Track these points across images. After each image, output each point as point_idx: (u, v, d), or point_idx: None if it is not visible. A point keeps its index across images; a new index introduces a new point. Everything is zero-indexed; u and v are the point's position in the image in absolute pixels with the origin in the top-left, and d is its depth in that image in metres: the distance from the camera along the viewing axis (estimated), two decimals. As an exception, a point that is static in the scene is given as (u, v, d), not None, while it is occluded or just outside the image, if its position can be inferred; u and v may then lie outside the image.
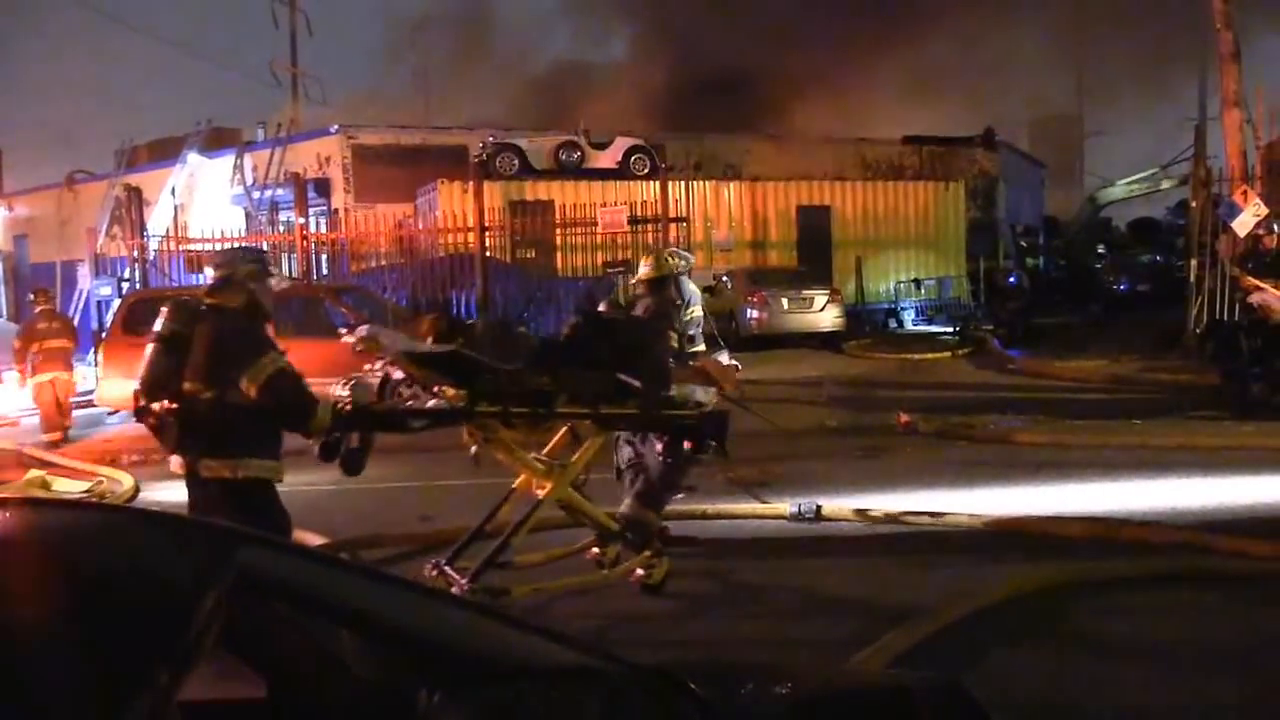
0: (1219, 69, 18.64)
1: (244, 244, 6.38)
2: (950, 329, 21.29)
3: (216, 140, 26.48)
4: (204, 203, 25.03)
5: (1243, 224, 13.97)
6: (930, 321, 22.84)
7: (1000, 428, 10.85)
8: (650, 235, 18.07)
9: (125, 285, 19.15)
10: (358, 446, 5.20)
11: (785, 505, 7.37)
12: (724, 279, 19.88)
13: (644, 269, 7.22)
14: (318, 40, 31.03)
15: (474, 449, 5.62)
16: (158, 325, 5.07)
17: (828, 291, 19.45)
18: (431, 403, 5.45)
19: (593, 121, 22.53)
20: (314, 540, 6.47)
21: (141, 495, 9.04)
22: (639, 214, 18.85)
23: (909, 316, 23.24)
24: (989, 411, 11.69)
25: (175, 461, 4.99)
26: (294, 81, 29.80)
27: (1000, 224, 28.04)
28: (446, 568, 5.42)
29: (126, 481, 9.34)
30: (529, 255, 19.99)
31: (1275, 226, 12.97)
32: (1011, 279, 22.36)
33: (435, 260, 18.87)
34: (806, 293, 19.15)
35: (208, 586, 1.41)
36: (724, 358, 6.62)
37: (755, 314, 18.97)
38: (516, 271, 18.47)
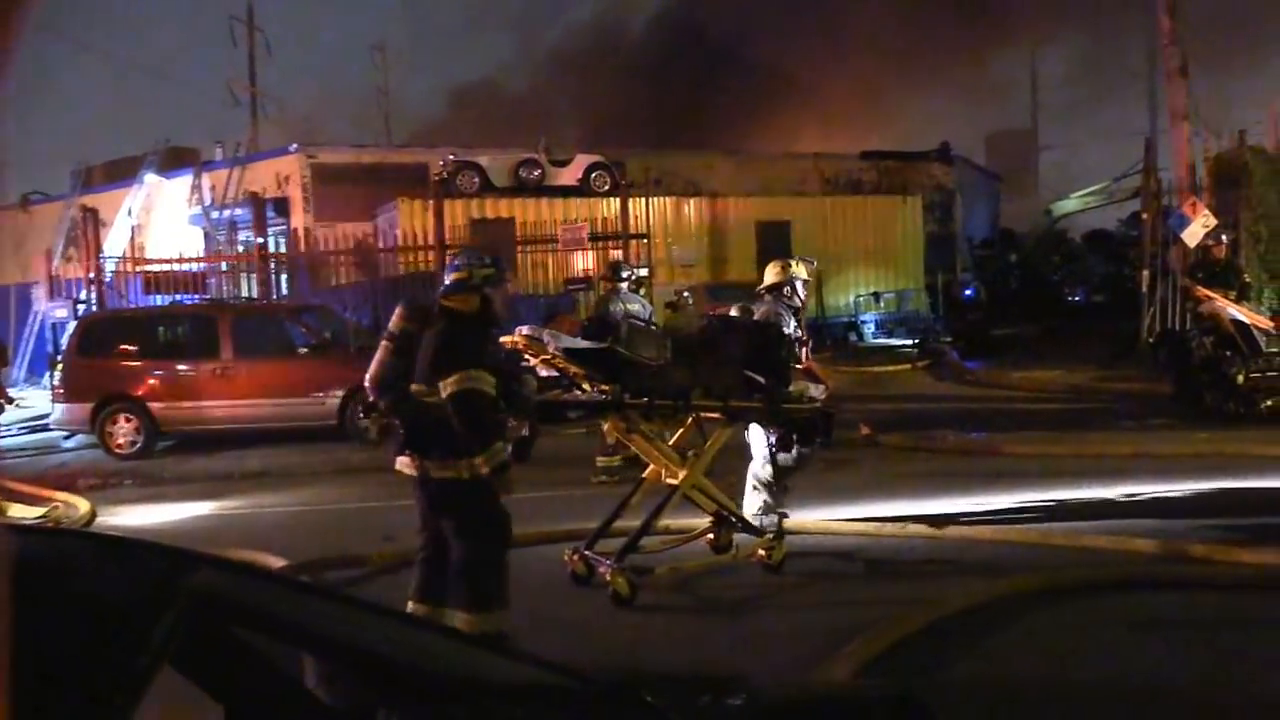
0: (1167, 84, 19.08)
1: (472, 248, 6.41)
2: (910, 342, 21.49)
3: (174, 160, 26.23)
4: (161, 223, 24.76)
5: (1192, 235, 14.20)
6: (890, 334, 23.04)
7: (960, 439, 10.97)
8: (611, 252, 18.10)
9: (81, 307, 18.88)
10: (528, 435, 5.27)
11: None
12: (685, 294, 19.85)
13: (770, 274, 7.51)
14: (277, 60, 30.88)
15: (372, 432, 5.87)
16: (391, 324, 5.18)
17: (788, 306, 19.53)
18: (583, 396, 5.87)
19: (554, 139, 22.56)
20: (274, 562, 6.41)
21: (98, 520, 8.91)
22: (600, 230, 18.88)
23: (869, 330, 23.43)
24: (948, 423, 11.82)
25: (401, 461, 4.98)
26: (253, 101, 29.62)
27: (957, 237, 28.39)
28: (587, 552, 5.97)
29: (82, 507, 9.21)
30: (489, 273, 19.92)
31: (1223, 237, 13.19)
32: (969, 291, 22.65)
33: (396, 279, 18.78)
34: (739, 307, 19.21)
35: (161, 611, 1.41)
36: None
37: (717, 328, 18.94)
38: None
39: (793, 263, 7.57)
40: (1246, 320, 11.96)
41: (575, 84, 39.74)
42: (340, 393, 12.03)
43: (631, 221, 18.68)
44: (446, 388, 4.71)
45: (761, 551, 6.30)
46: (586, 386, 5.83)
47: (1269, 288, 13.86)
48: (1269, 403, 11.41)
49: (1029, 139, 47.79)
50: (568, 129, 28.04)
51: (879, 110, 39.99)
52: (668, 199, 22.91)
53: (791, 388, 6.39)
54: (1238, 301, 12.19)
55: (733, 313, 7.33)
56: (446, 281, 5.09)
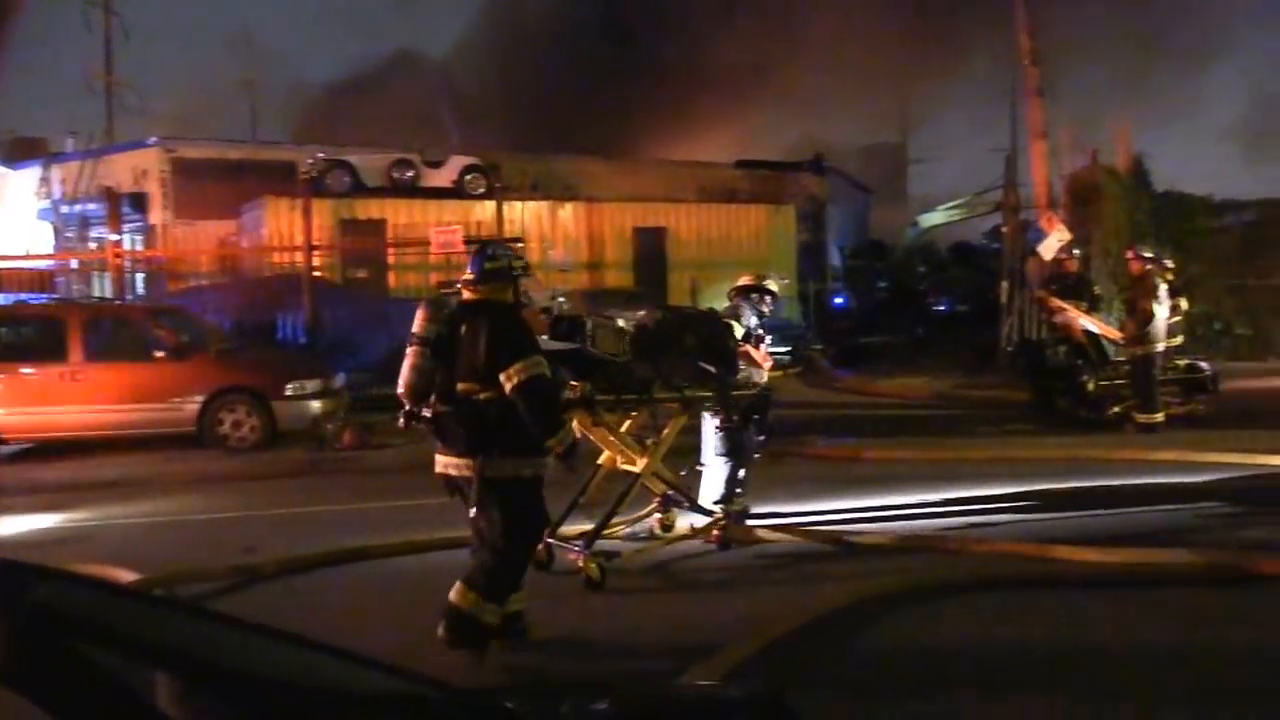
0: (1026, 103, 20.00)
1: (498, 240, 6.23)
2: (783, 349, 21.95)
3: (21, 150, 24.93)
4: (6, 217, 23.50)
5: (1048, 248, 14.96)
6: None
7: (828, 445, 11.26)
8: (486, 255, 17.97)
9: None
10: (578, 438, 5.46)
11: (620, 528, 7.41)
12: (561, 300, 19.90)
13: (744, 278, 8.17)
14: (139, 49, 29.66)
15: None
16: (416, 328, 5.26)
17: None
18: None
19: (428, 139, 22.30)
20: (123, 576, 6.16)
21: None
22: (474, 234, 18.73)
23: (743, 337, 23.79)
24: (819, 429, 12.12)
25: (451, 463, 5.01)
26: (108, 90, 28.36)
27: (829, 247, 29.14)
28: (551, 540, 6.25)
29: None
30: (360, 275, 19.57)
31: (1076, 251, 13.94)
32: (839, 300, 23.25)
33: (261, 280, 18.26)
34: (643, 313, 19.37)
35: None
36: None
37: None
38: (346, 292, 18.05)
39: (766, 275, 8.30)
40: (1097, 331, 12.67)
41: (451, 84, 39.35)
42: (200, 398, 11.65)
43: (507, 225, 18.59)
44: (512, 378, 4.81)
45: (716, 532, 6.90)
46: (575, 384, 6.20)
47: (1118, 300, 14.66)
48: (1116, 409, 12.09)
49: (900, 152, 49.36)
50: (443, 129, 27.73)
51: (755, 120, 40.79)
52: (544, 203, 22.87)
53: (739, 375, 7.12)
54: (1089, 313, 12.90)
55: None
56: (476, 273, 5.12)
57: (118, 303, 15.73)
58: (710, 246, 23.99)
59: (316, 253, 16.71)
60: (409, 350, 5.28)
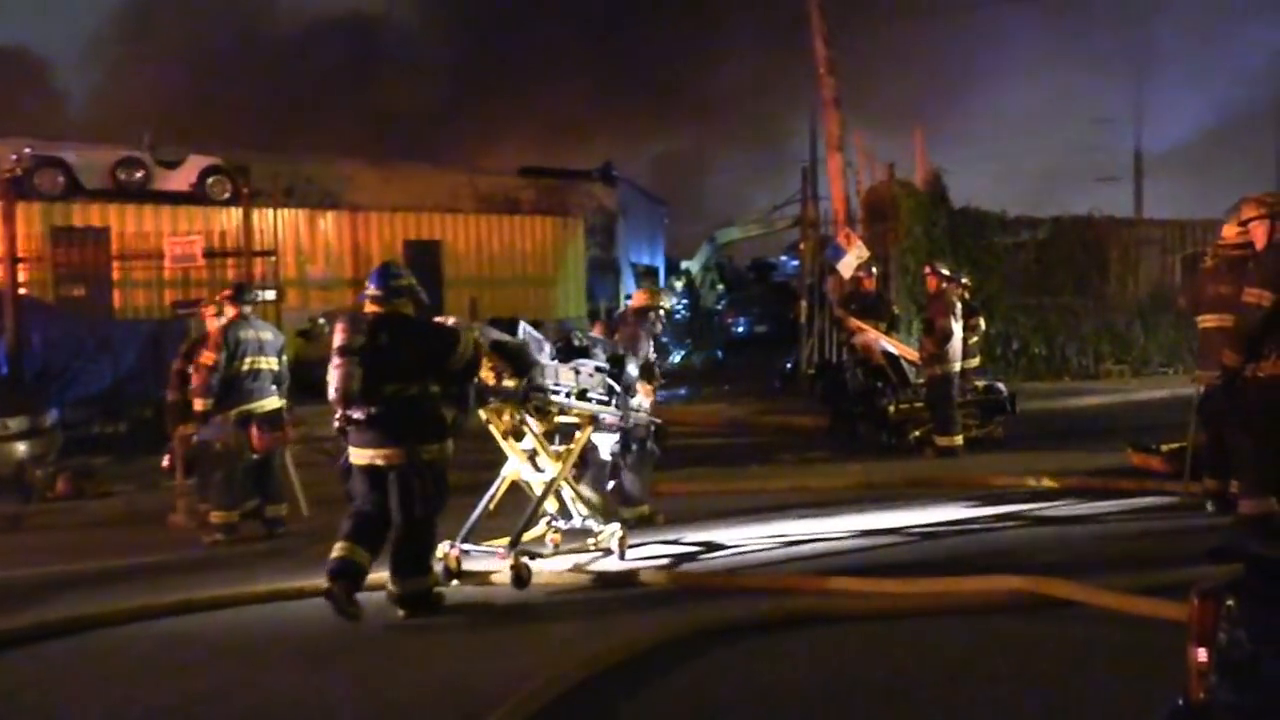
0: (822, 113, 20.98)
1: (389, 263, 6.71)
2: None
3: None
4: None
5: (847, 266, 15.66)
6: (551, 366, 23.49)
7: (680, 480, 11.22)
8: (231, 271, 17.26)
9: None
10: (464, 414, 6.99)
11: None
12: (321, 321, 19.38)
13: (639, 299, 9.43)
14: None
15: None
16: (341, 340, 6.45)
17: (439, 334, 19.51)
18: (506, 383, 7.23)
19: (161, 135, 21.23)
20: None
21: None
22: (218, 246, 17.96)
23: (529, 361, 23.78)
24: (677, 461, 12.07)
25: (376, 454, 6.44)
26: None
27: (621, 263, 29.56)
28: (464, 545, 7.27)
29: None
30: (76, 293, 18.36)
31: (873, 269, 14.64)
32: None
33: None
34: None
35: None
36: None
37: (357, 360, 18.58)
38: (60, 313, 16.88)
39: (659, 291, 9.53)
40: (896, 352, 13.34)
41: (190, 71, 37.59)
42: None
43: (256, 236, 17.92)
44: (457, 363, 6.56)
45: (617, 540, 7.72)
46: (490, 379, 7.15)
47: (917, 319, 15.51)
48: (917, 433, 12.75)
49: (696, 162, 50.67)
50: (178, 124, 26.48)
51: (539, 125, 41.01)
52: (301, 211, 22.19)
53: (634, 400, 8.27)
54: (888, 333, 13.60)
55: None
56: (383, 290, 6.57)
57: None
58: (491, 262, 23.91)
59: (21, 266, 15.62)
60: (339, 361, 6.43)
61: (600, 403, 7.80)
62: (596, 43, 42.88)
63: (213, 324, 9.50)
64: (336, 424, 6.62)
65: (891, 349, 13.32)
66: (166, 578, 7.86)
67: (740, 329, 28.74)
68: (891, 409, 13.00)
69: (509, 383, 7.16)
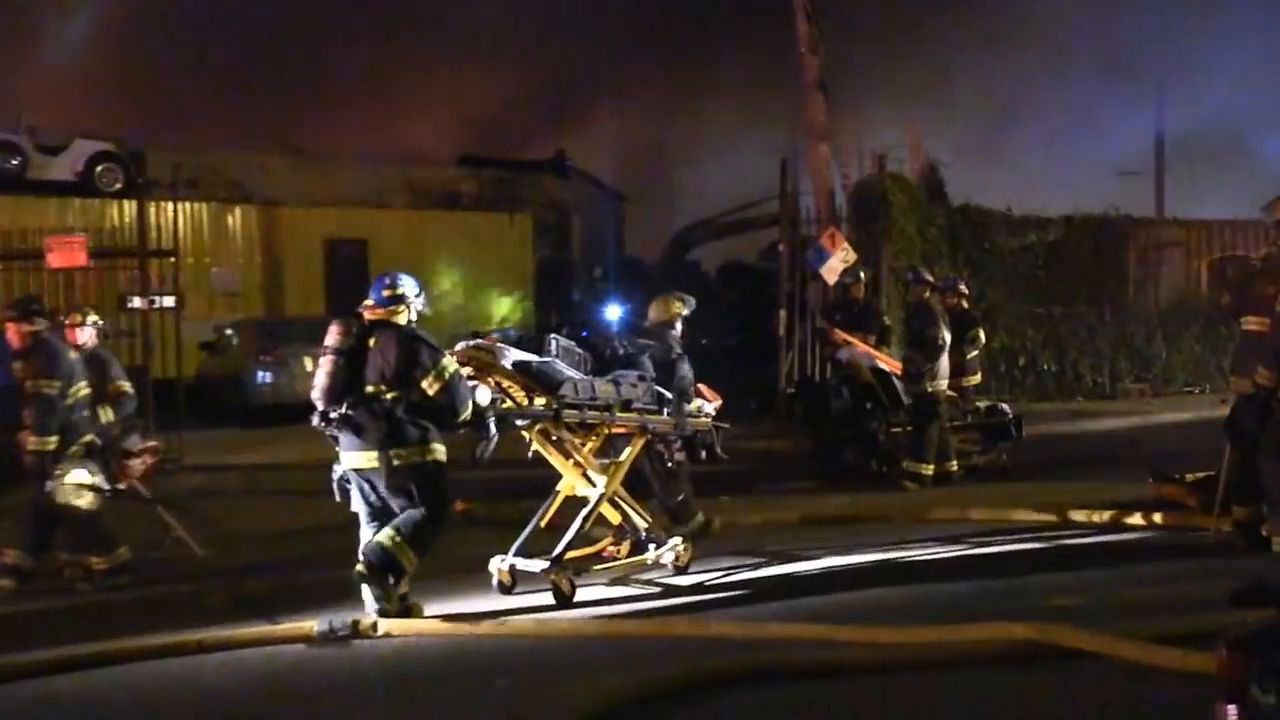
0: (804, 98, 21.03)
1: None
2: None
3: None
4: None
5: (831, 270, 15.67)
6: (495, 383, 23.43)
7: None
8: (123, 272, 17.05)
9: None
10: (489, 440, 7.67)
11: (311, 623, 7.22)
12: (227, 332, 19.25)
13: (657, 311, 10.10)
14: None
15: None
16: (332, 341, 7.42)
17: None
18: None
19: (41, 115, 21.05)
20: None
21: None
22: (108, 243, 17.74)
23: (469, 377, 23.71)
24: (545, 493, 12.01)
25: (361, 457, 7.33)
26: None
27: (575, 265, 29.54)
28: (515, 560, 8.06)
29: None
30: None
31: (861, 274, 14.63)
32: (587, 335, 23.46)
33: None
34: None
35: None
36: None
37: (268, 377, 18.52)
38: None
39: (676, 301, 10.07)
40: (887, 369, 13.31)
41: (77, 42, 37.18)
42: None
43: (153, 233, 17.72)
44: (434, 384, 7.30)
45: (672, 555, 8.43)
46: (520, 399, 8.01)
47: (899, 331, 15.46)
48: (905, 464, 12.72)
49: (663, 153, 50.74)
50: (61, 103, 26.23)
51: (483, 108, 40.91)
52: (205, 205, 22.09)
53: (691, 405, 8.98)
54: (877, 347, 13.57)
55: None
56: (377, 299, 7.58)
57: None
58: (426, 265, 23.78)
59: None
60: (325, 359, 7.43)
61: (647, 412, 8.46)
62: (546, 8, 42.80)
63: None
64: (315, 421, 7.49)
65: (882, 365, 13.31)
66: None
67: (703, 341, 28.71)
68: (882, 433, 13.02)
69: (540, 401, 7.92)
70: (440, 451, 7.45)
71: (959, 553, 9.34)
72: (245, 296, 21.67)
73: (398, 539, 7.28)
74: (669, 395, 8.72)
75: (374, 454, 7.30)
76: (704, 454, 9.37)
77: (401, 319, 7.58)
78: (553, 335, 8.47)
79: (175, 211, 19.75)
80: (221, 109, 32.55)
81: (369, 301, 7.67)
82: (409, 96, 38.29)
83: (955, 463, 12.57)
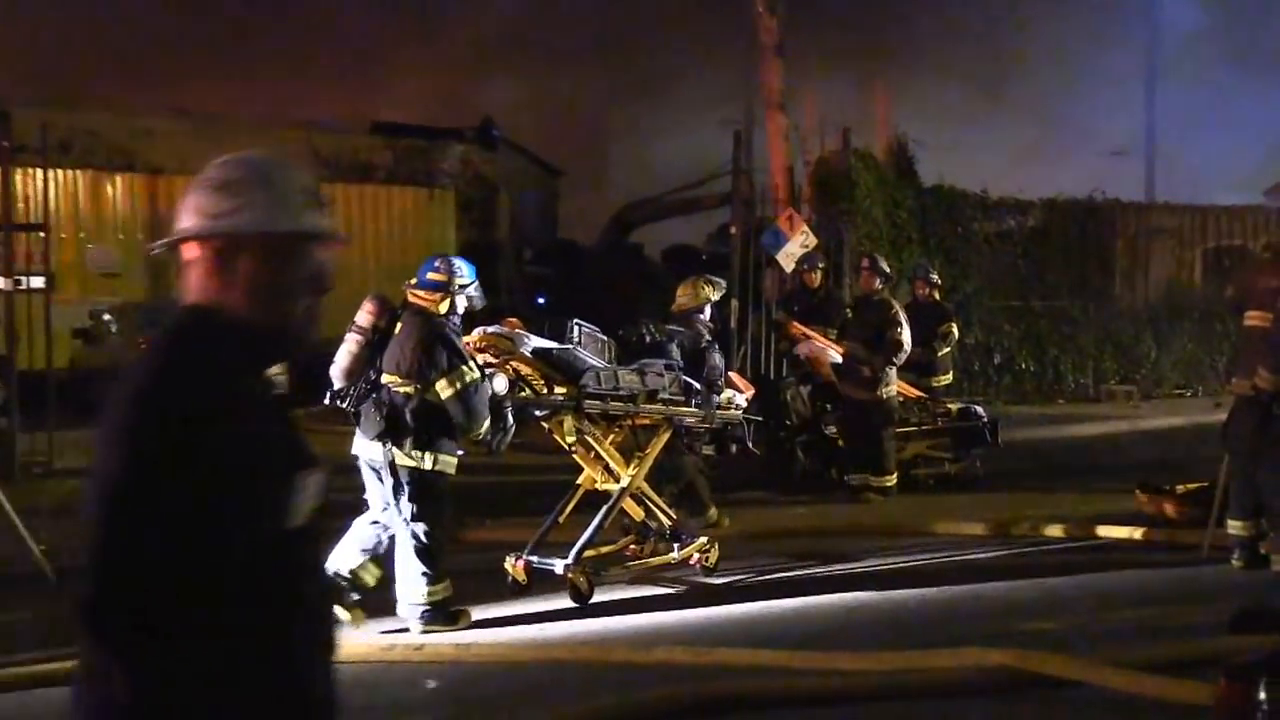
0: (760, 63, 21.03)
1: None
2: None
3: None
4: None
5: (789, 256, 15.66)
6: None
7: (499, 525, 11.09)
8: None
9: None
10: (505, 431, 7.89)
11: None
12: (107, 317, 18.98)
13: (685, 297, 10.28)
14: None
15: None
16: (362, 319, 7.68)
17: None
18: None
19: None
20: None
21: None
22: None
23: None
24: (484, 506, 11.91)
25: (370, 447, 7.54)
26: None
27: (503, 247, 29.38)
28: (532, 558, 8.41)
29: None
30: None
31: (821, 263, 14.61)
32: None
33: None
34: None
35: None
36: None
37: (155, 369, 18.24)
38: None
39: (706, 285, 10.24)
40: (850, 365, 13.29)
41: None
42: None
43: (19, 204, 17.45)
44: (448, 389, 7.41)
45: (698, 555, 8.86)
46: (540, 387, 8.20)
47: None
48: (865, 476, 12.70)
49: (601, 122, 50.68)
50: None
51: (396, 69, 40.67)
52: (82, 173, 21.74)
53: (721, 396, 9.28)
54: (839, 341, 13.57)
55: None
56: (420, 278, 7.74)
57: None
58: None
59: None
60: (350, 337, 7.70)
61: (674, 403, 8.74)
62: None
63: None
64: (327, 401, 7.83)
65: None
66: None
67: (647, 332, 28.71)
68: (840, 437, 13.03)
69: (560, 390, 8.18)
70: (447, 463, 7.59)
71: (925, 569, 9.38)
72: (126, 278, 21.30)
73: (418, 589, 7.51)
74: (698, 385, 8.95)
75: (377, 446, 7.52)
76: (734, 448, 9.92)
77: (442, 307, 7.69)
78: (575, 320, 8.65)
79: (45, 180, 19.47)
80: (103, 64, 32.10)
81: (412, 280, 7.88)
82: (315, 57, 38.02)
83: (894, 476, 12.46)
